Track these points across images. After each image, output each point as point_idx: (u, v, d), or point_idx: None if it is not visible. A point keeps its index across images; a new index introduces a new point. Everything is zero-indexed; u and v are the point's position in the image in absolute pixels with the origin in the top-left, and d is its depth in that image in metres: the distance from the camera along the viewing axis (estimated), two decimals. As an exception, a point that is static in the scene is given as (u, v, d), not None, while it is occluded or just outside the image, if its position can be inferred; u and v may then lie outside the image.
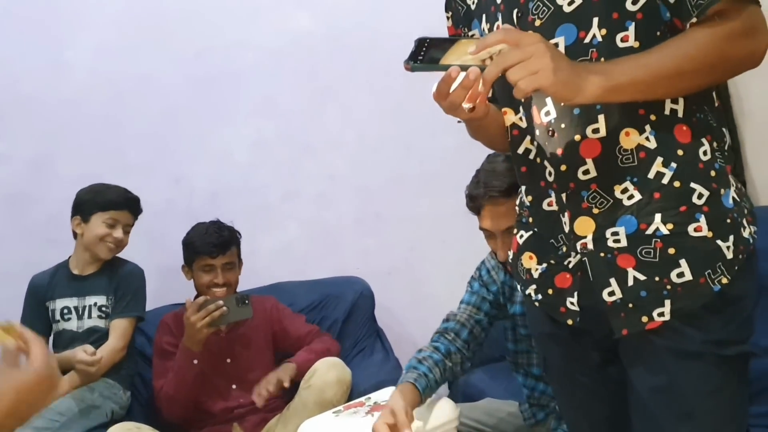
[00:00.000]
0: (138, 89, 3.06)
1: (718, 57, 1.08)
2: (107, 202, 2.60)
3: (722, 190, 1.16)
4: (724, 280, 1.14)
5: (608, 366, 1.28)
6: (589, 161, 1.16)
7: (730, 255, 1.15)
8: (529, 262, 1.30)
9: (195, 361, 2.49)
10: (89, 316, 2.59)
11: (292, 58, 3.15)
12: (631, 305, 1.17)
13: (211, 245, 2.60)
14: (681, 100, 1.15)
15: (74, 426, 2.39)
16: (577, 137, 1.16)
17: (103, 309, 2.60)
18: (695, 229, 1.14)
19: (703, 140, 1.16)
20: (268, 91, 3.15)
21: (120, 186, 2.68)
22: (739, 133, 2.49)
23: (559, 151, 1.18)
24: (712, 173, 1.15)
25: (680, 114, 1.15)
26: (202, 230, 2.66)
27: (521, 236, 1.33)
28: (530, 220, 1.30)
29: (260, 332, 2.67)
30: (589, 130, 1.15)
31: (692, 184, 1.15)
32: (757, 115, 2.40)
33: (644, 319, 1.17)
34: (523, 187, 1.30)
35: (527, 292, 1.32)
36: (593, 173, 1.16)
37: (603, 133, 1.15)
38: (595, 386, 1.32)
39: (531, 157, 1.25)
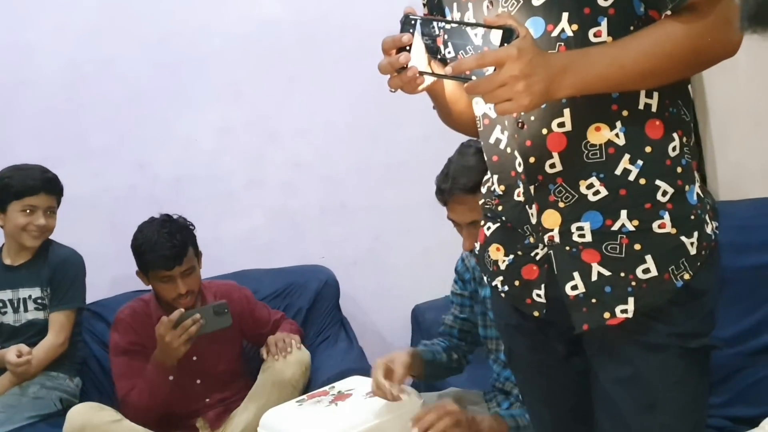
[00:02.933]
0: (101, 73, 3.00)
1: (693, 53, 1.08)
2: (21, 189, 2.46)
3: (687, 187, 1.16)
4: (687, 276, 1.15)
5: (573, 357, 1.29)
6: (555, 155, 1.16)
7: (693, 251, 1.15)
8: (497, 253, 1.30)
9: (171, 377, 2.37)
10: (26, 310, 2.51)
11: (259, 45, 3.12)
12: (594, 300, 1.17)
13: (165, 258, 2.37)
14: (655, 95, 1.15)
15: (17, 418, 2.34)
16: (544, 131, 1.16)
17: (39, 301, 2.52)
18: (659, 226, 1.15)
19: (674, 135, 1.16)
20: (234, 78, 3.12)
21: (34, 166, 2.54)
22: (701, 128, 2.52)
23: (528, 143, 1.18)
24: (679, 170, 1.16)
25: (653, 108, 1.15)
26: (152, 238, 2.39)
27: (488, 228, 1.32)
28: (500, 208, 1.29)
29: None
30: (554, 124, 1.16)
31: (657, 182, 1.15)
32: (719, 111, 2.43)
33: (606, 314, 1.17)
34: (495, 177, 1.29)
35: (494, 283, 1.32)
36: (559, 167, 1.16)
37: (568, 127, 1.15)
38: (560, 377, 1.33)
39: (502, 147, 1.25)
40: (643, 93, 1.14)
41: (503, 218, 1.29)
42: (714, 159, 2.48)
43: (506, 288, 1.29)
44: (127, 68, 3.02)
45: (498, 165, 1.28)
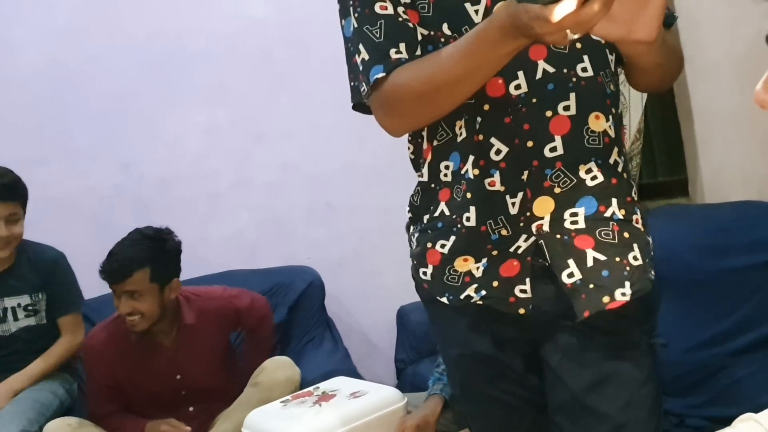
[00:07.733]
0: (86, 71, 3.00)
1: (682, 59, 1.27)
2: None
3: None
4: (653, 273, 1.21)
5: (529, 375, 1.27)
6: (558, 138, 1.16)
7: (652, 251, 1.23)
8: (466, 264, 1.22)
9: None
10: (15, 318, 2.43)
11: (246, 45, 3.12)
12: (591, 286, 1.16)
13: (104, 272, 2.25)
14: (618, 109, 1.23)
15: (22, 418, 2.30)
16: (549, 113, 1.16)
17: (30, 308, 2.46)
18: (635, 221, 1.21)
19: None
20: (221, 78, 3.12)
21: None
22: (685, 131, 2.55)
23: (525, 127, 1.16)
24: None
25: (623, 119, 1.26)
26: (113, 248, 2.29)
27: (442, 245, 1.23)
28: (468, 196, 1.19)
29: (212, 342, 2.48)
30: (560, 107, 1.16)
31: (630, 181, 1.23)
32: (702, 114, 2.45)
33: (605, 299, 1.15)
34: (471, 157, 1.19)
35: (463, 295, 1.23)
36: (560, 151, 1.16)
37: (573, 111, 1.16)
38: (516, 401, 1.29)
39: (476, 132, 1.19)
40: (618, 102, 1.23)
41: (460, 224, 1.21)
42: (697, 162, 2.50)
43: (483, 292, 1.21)
44: (113, 67, 3.01)
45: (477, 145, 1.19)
